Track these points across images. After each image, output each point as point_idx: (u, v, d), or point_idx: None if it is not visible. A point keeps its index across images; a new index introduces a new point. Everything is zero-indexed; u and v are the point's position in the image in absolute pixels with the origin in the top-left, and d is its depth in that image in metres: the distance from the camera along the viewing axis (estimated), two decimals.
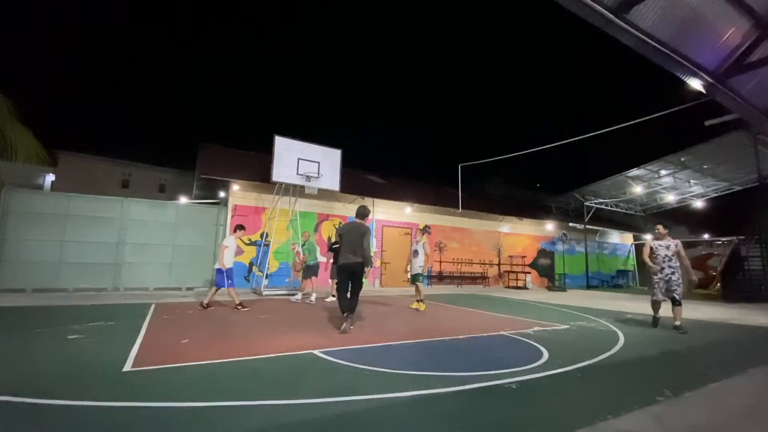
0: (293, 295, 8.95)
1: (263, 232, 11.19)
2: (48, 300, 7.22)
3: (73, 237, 8.97)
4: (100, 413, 2.28)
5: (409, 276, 7.97)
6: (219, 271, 6.66)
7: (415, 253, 7.74)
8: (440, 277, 14.63)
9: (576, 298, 11.40)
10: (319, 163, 10.13)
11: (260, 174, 10.90)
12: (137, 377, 2.93)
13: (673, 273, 5.65)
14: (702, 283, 15.48)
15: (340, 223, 13.26)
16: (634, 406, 2.53)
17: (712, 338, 5.37)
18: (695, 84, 5.59)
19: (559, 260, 17.04)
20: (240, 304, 6.63)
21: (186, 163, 21.20)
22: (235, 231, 7.11)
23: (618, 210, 19.46)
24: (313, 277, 8.47)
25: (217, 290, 6.76)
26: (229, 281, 6.65)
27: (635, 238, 21.83)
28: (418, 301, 7.49)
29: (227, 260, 6.65)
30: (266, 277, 10.21)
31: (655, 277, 5.73)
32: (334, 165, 10.50)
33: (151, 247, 9.79)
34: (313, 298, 8.30)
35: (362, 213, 5.49)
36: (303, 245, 8.66)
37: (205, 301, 6.60)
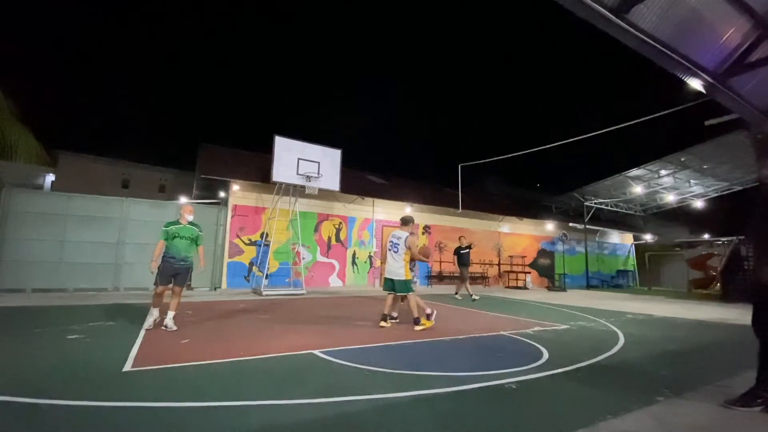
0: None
1: (263, 232, 11.20)
2: (48, 300, 7.22)
3: (73, 237, 8.96)
4: (100, 413, 2.28)
5: (388, 282, 5.34)
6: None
7: (393, 247, 5.28)
8: (440, 277, 14.62)
9: (576, 298, 11.39)
10: (319, 163, 10.14)
11: (260, 174, 10.91)
12: (137, 377, 2.93)
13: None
14: (702, 283, 15.53)
15: (340, 223, 13.26)
16: (634, 406, 2.53)
17: (712, 338, 5.37)
18: (695, 84, 5.56)
19: (559, 260, 17.03)
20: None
21: (186, 163, 21.26)
22: None
23: (618, 210, 19.46)
24: (170, 286, 4.93)
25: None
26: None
27: (635, 238, 21.83)
28: (416, 320, 5.19)
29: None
30: (266, 277, 10.20)
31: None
32: (334, 165, 10.51)
33: (151, 247, 9.61)
34: (168, 320, 4.69)
35: None
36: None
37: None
